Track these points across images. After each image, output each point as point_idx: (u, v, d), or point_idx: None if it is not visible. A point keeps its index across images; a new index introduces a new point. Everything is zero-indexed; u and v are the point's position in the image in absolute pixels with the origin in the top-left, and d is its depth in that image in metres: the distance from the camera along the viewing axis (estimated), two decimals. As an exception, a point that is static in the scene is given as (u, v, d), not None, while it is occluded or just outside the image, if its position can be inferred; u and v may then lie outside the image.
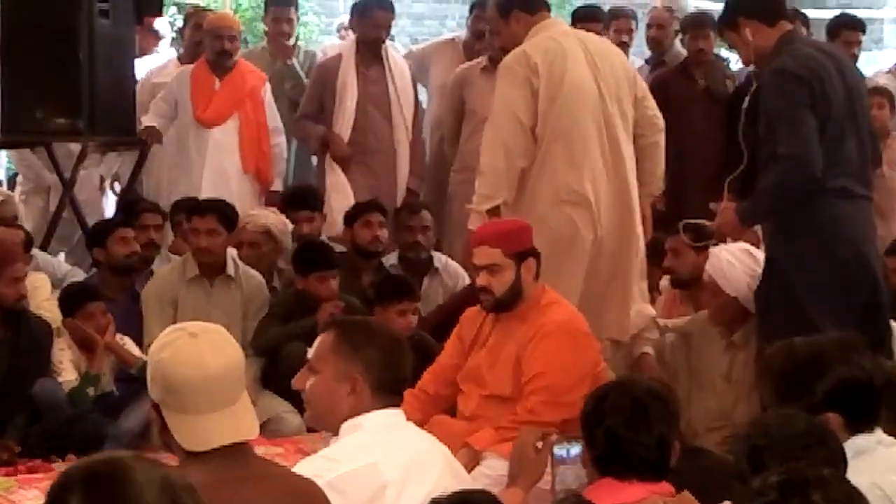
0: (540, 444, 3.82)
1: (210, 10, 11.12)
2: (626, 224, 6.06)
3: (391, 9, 8.07)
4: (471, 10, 8.76)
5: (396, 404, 3.65)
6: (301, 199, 7.59)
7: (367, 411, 3.59)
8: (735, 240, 5.76)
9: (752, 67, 7.20)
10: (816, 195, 5.27)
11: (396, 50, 8.86)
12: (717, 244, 5.49)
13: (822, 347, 3.60)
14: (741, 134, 5.52)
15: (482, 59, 7.86)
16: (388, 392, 3.64)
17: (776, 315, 5.28)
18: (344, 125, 7.85)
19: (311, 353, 3.72)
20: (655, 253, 6.69)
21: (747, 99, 5.66)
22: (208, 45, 8.05)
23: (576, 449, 3.64)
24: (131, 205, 7.61)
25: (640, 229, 6.15)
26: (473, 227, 5.74)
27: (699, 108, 8.11)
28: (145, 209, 7.36)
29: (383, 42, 7.99)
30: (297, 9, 8.95)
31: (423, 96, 8.66)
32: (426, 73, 8.67)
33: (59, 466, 5.60)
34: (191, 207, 7.02)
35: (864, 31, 8.97)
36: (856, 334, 4.02)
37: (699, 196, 6.23)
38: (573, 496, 3.57)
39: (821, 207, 5.29)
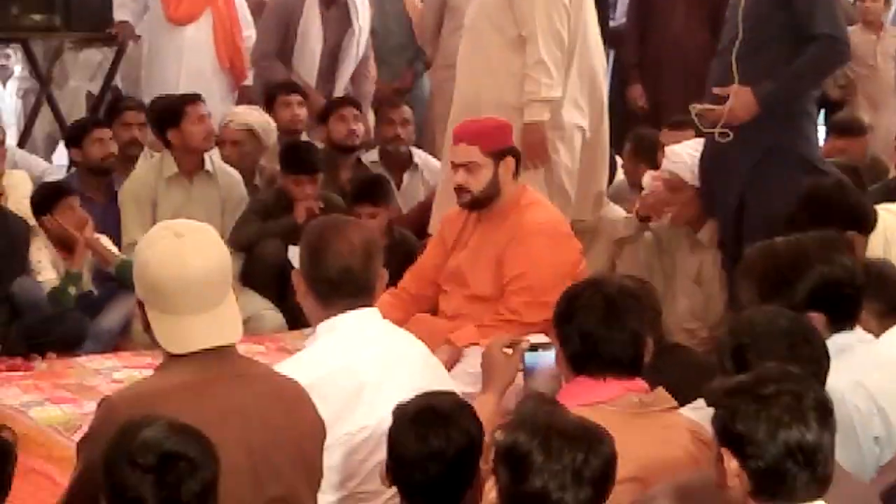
0: (510, 351, 3.79)
1: None
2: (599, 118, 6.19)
3: None
4: None
5: (351, 307, 3.53)
6: (293, 86, 7.49)
7: (328, 314, 3.55)
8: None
9: None
10: None
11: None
12: (724, 129, 5.41)
13: (804, 247, 3.61)
14: (742, 11, 5.43)
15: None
16: (318, 294, 3.56)
17: (776, 201, 5.26)
18: (308, 70, 7.74)
19: None
20: (642, 150, 6.67)
21: None
22: None
23: (545, 359, 3.63)
24: (114, 103, 7.49)
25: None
26: (537, 119, 5.78)
27: (681, 6, 8.03)
28: (128, 107, 7.22)
29: None
30: None
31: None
32: None
33: (39, 365, 5.61)
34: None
35: None
36: (837, 233, 4.04)
37: (681, 95, 6.20)
38: (534, 395, 3.56)
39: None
